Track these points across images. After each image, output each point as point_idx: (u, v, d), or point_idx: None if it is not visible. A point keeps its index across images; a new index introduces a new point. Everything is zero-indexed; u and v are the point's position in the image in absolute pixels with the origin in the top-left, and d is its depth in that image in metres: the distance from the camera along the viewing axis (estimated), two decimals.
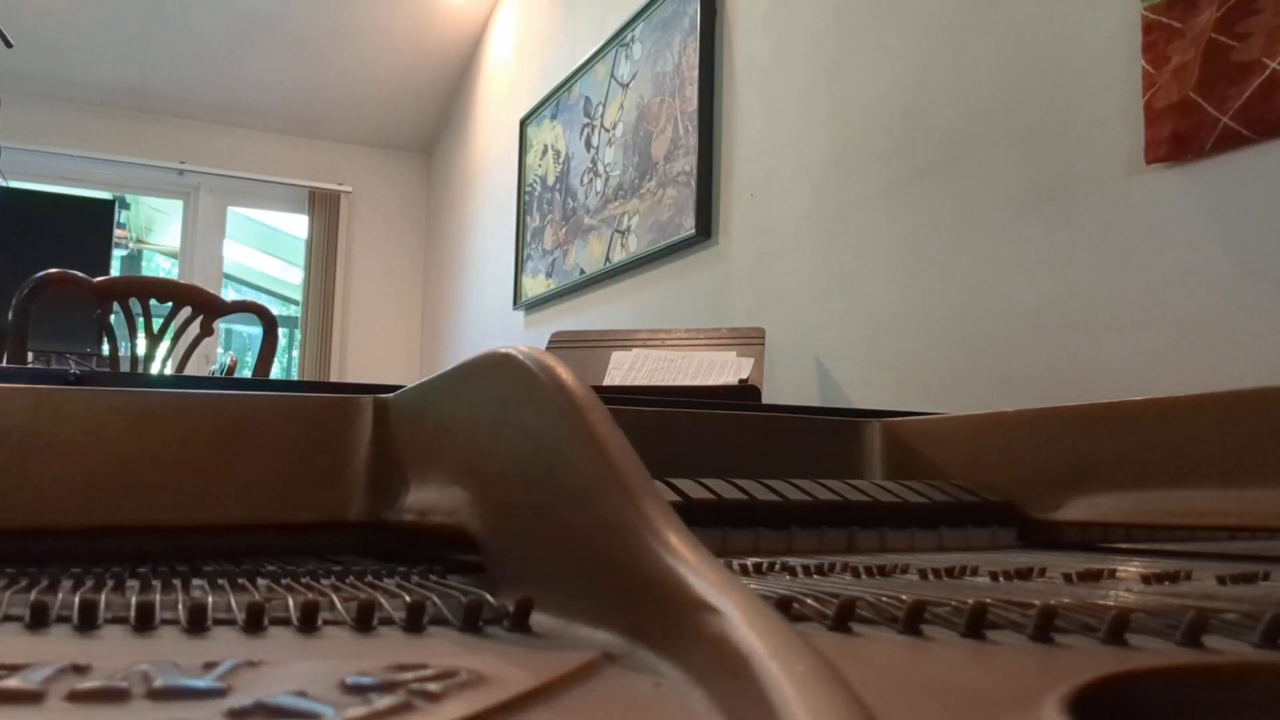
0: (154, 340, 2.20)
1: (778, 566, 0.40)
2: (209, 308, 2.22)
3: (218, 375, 3.79)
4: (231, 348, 6.21)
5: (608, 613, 0.24)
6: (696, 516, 0.45)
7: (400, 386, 0.46)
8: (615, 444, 0.26)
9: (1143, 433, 0.49)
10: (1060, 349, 1.47)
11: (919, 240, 1.78)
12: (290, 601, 0.26)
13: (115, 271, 4.59)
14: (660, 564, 0.22)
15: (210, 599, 0.26)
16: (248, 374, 2.77)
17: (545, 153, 3.92)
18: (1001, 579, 0.37)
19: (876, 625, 0.26)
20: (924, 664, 0.22)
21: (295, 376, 5.41)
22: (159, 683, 0.18)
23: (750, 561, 0.41)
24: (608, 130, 3.39)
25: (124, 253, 5.73)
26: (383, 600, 0.26)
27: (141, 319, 2.17)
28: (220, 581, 0.31)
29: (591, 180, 3.49)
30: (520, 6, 4.30)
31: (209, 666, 0.19)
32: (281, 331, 3.56)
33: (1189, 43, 1.31)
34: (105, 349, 2.18)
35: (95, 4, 4.33)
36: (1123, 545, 0.57)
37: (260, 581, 0.32)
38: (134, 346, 2.20)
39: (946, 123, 1.74)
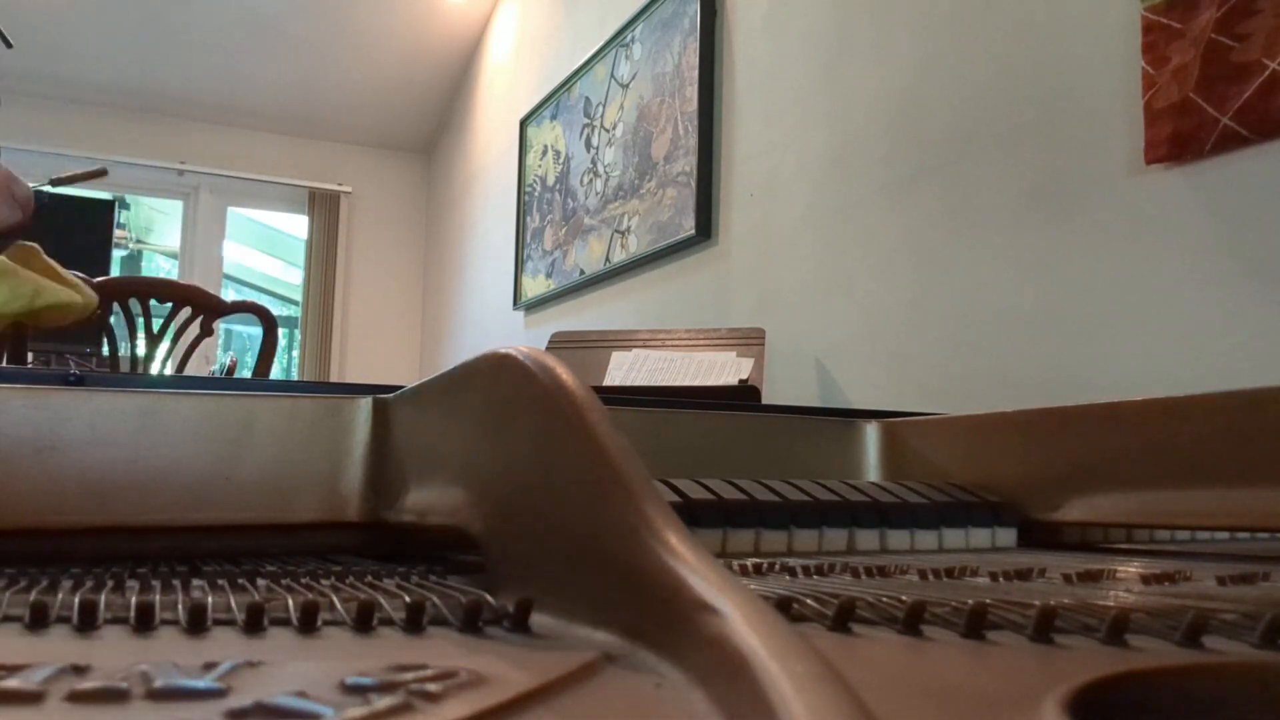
0: (154, 340, 2.20)
1: (778, 566, 0.40)
2: (209, 308, 2.22)
3: (218, 375, 3.79)
4: (231, 348, 6.20)
5: (608, 613, 0.24)
6: (696, 516, 0.45)
7: (400, 387, 0.46)
8: (615, 444, 0.26)
9: (1143, 433, 0.49)
10: (1060, 349, 1.47)
11: (919, 240, 1.78)
12: (290, 602, 0.26)
13: (115, 272, 4.59)
14: (660, 564, 0.22)
15: (210, 599, 0.26)
16: (248, 374, 2.77)
17: (545, 153, 3.92)
18: (1001, 579, 0.37)
19: (876, 625, 0.26)
20: (924, 664, 0.22)
21: (295, 377, 5.41)
22: (159, 683, 0.18)
23: (750, 561, 0.41)
24: (608, 130, 3.39)
25: (124, 253, 5.73)
26: (382, 600, 0.26)
27: (141, 319, 2.17)
28: (220, 582, 0.31)
29: (591, 180, 3.49)
30: (520, 6, 4.30)
31: (209, 667, 0.19)
32: (281, 332, 3.56)
33: (1189, 43, 1.31)
34: (105, 349, 2.18)
35: (95, 4, 4.33)
36: (1123, 545, 0.57)
37: (260, 582, 0.32)
38: (134, 347, 2.20)
39: (946, 123, 1.74)
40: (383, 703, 0.16)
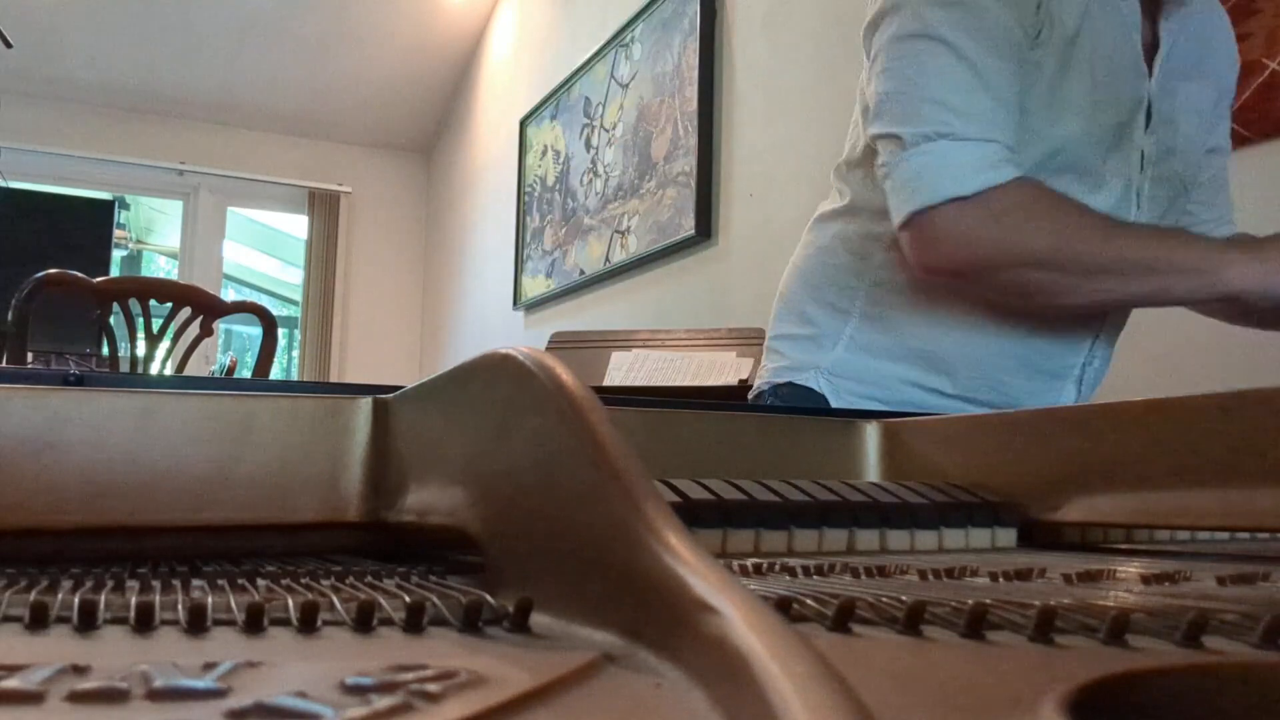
0: (153, 341, 2.20)
1: (778, 566, 0.40)
2: (209, 308, 2.22)
3: (218, 375, 3.79)
4: (231, 348, 6.21)
5: (608, 613, 0.24)
6: (696, 516, 0.45)
7: (400, 387, 0.46)
8: (615, 444, 0.26)
9: (1143, 433, 0.49)
10: None
11: None
12: (290, 602, 0.26)
13: (115, 272, 4.60)
14: (660, 564, 0.22)
15: (210, 599, 0.26)
16: (247, 374, 2.77)
17: (545, 153, 3.92)
18: (1001, 579, 0.37)
19: (876, 625, 0.26)
20: (924, 664, 0.22)
21: (295, 377, 5.41)
22: (159, 683, 0.18)
23: (750, 561, 0.41)
24: (607, 130, 3.38)
25: (124, 253, 5.74)
26: (382, 601, 0.26)
27: (141, 320, 2.17)
28: (220, 582, 0.31)
29: (591, 181, 3.49)
30: (520, 7, 4.30)
31: (209, 667, 0.19)
32: (281, 332, 3.56)
33: None
34: (105, 350, 2.18)
35: (95, 4, 4.33)
36: (1123, 545, 0.57)
37: (260, 582, 0.32)
38: (134, 347, 2.20)
39: None
40: (383, 703, 0.16)
